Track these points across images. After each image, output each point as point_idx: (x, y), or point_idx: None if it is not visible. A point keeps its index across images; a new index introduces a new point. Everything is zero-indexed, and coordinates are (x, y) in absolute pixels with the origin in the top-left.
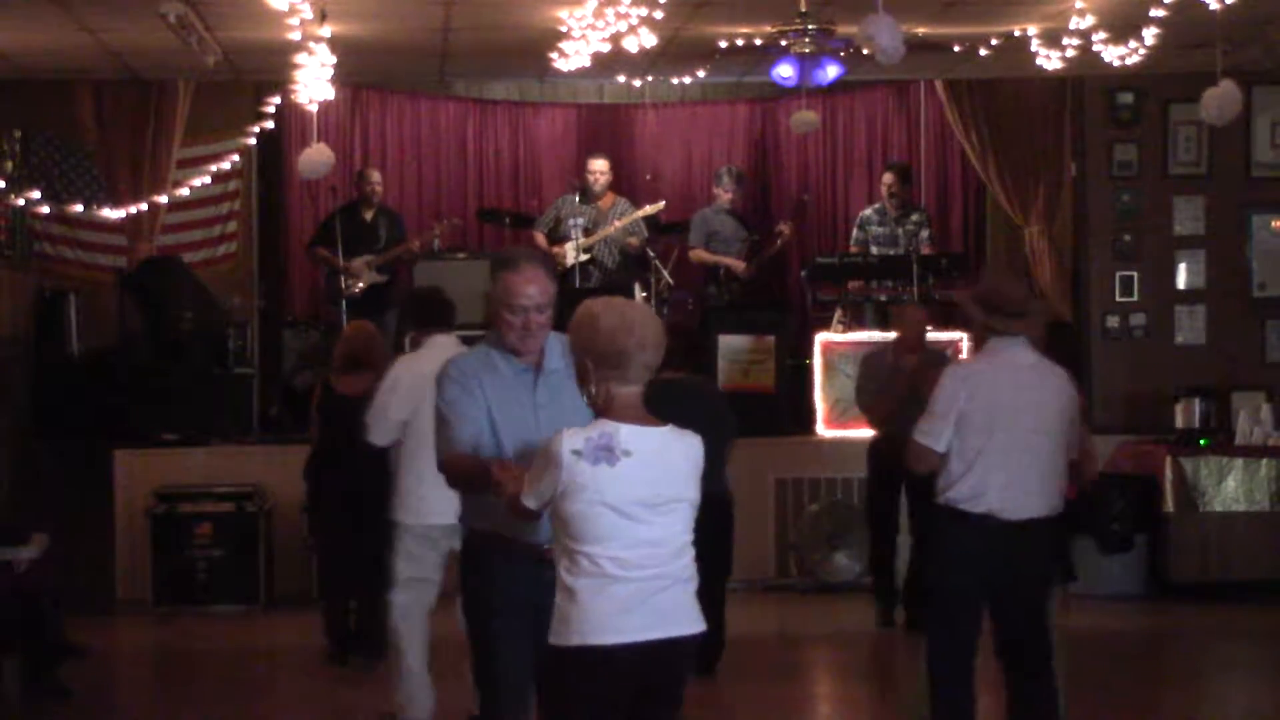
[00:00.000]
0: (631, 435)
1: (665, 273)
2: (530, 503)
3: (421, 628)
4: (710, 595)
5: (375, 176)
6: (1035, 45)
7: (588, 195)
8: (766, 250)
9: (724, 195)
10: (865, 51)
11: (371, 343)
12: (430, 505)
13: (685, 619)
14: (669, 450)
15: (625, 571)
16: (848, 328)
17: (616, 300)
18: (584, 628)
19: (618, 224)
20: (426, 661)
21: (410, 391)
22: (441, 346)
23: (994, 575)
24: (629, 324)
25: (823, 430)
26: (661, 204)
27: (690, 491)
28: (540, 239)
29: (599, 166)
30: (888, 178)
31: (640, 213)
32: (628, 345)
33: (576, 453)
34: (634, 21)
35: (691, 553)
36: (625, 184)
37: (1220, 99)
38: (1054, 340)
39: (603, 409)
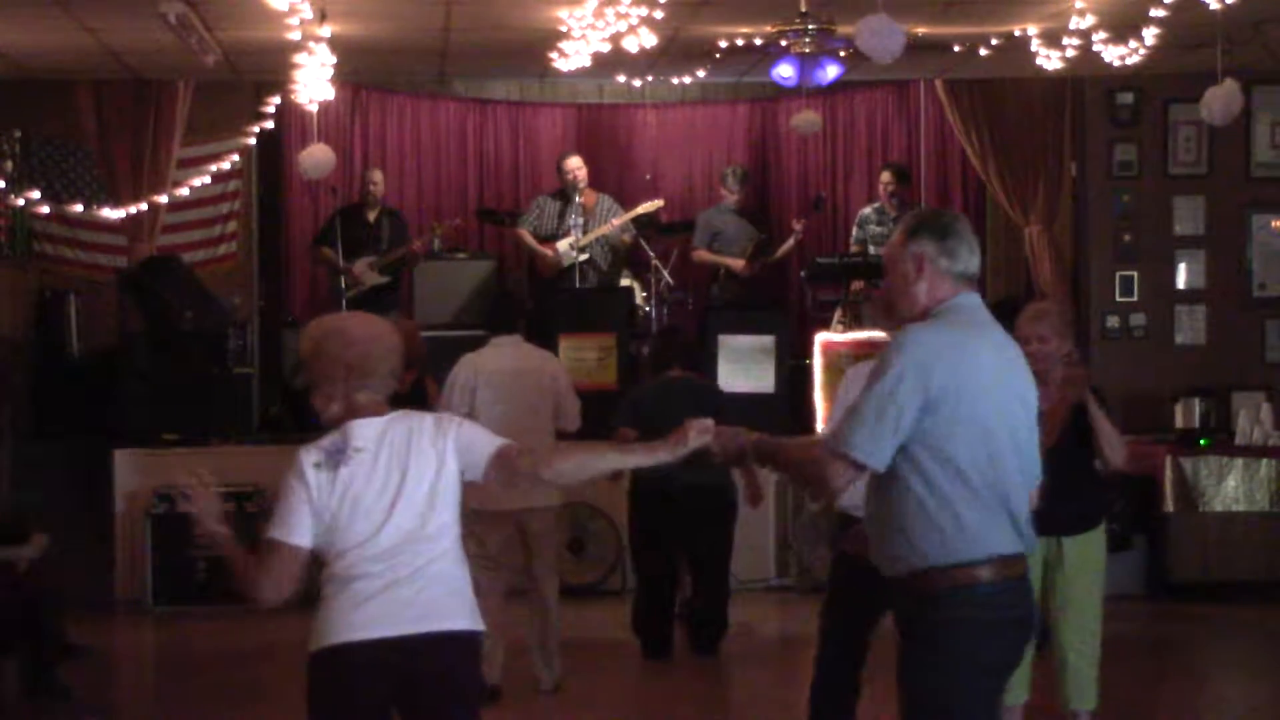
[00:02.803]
0: (358, 429)
1: (665, 273)
2: (276, 534)
3: (496, 605)
4: (713, 576)
5: (376, 177)
6: (1035, 45)
7: (567, 194)
8: (779, 248)
9: (729, 195)
10: (862, 49)
11: (414, 338)
12: (488, 492)
13: (439, 614)
14: (390, 433)
15: (370, 568)
16: (848, 328)
17: (355, 313)
18: (324, 629)
19: (615, 222)
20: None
21: (465, 386)
22: (499, 345)
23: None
24: (380, 333)
25: (823, 430)
26: (659, 202)
27: (423, 468)
28: (528, 237)
29: (575, 164)
30: (885, 176)
31: (638, 210)
32: (380, 352)
33: (317, 465)
34: (634, 21)
35: (445, 544)
36: (625, 184)
37: (1222, 99)
38: None
39: (342, 417)
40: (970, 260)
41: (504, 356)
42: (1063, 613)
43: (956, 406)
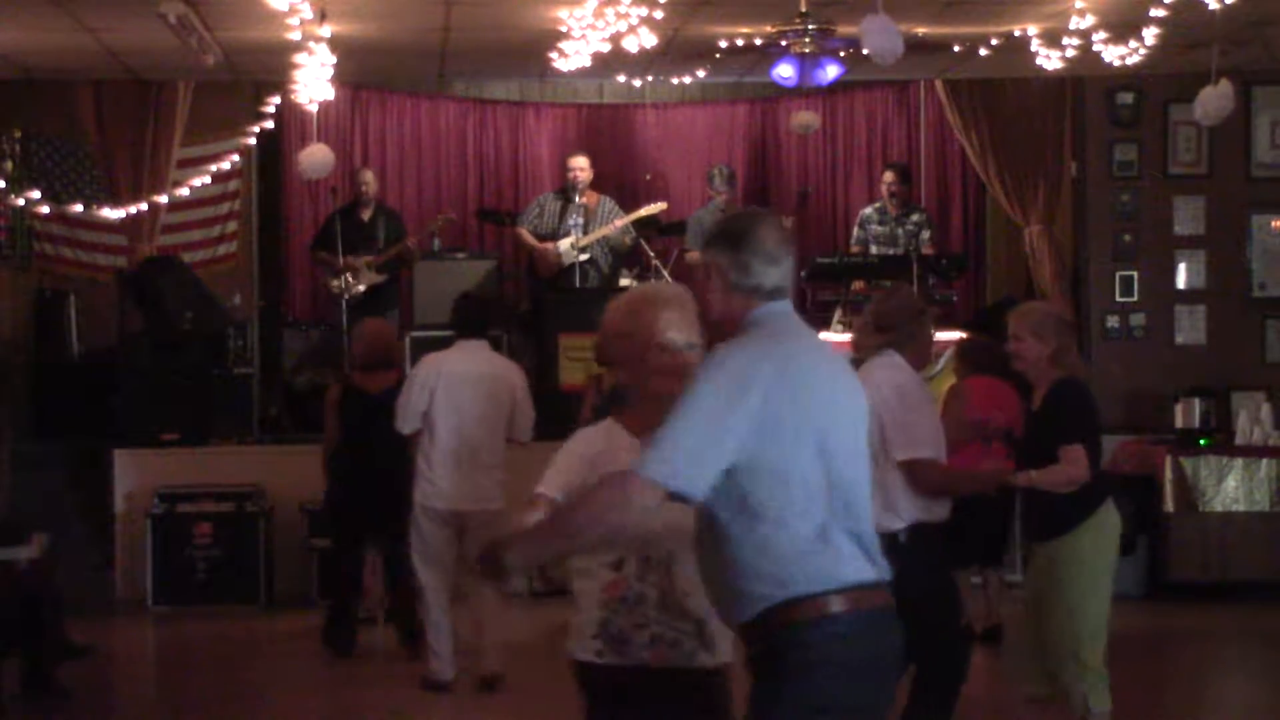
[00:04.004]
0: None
1: (665, 273)
2: None
3: (441, 601)
4: None
5: (367, 177)
6: (1035, 45)
7: (570, 193)
8: None
9: (717, 196)
10: (865, 51)
11: (392, 341)
12: (438, 489)
13: None
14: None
15: None
16: (848, 328)
17: (640, 288)
18: None
19: (618, 224)
20: (449, 629)
21: (425, 384)
22: (464, 349)
23: None
24: (619, 315)
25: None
26: (662, 205)
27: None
28: (527, 235)
29: (580, 164)
30: (888, 176)
31: (642, 212)
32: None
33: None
34: (634, 21)
35: None
36: (625, 184)
37: (1215, 99)
38: None
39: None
40: (765, 274)
41: (467, 361)
42: (1046, 618)
43: (787, 423)
